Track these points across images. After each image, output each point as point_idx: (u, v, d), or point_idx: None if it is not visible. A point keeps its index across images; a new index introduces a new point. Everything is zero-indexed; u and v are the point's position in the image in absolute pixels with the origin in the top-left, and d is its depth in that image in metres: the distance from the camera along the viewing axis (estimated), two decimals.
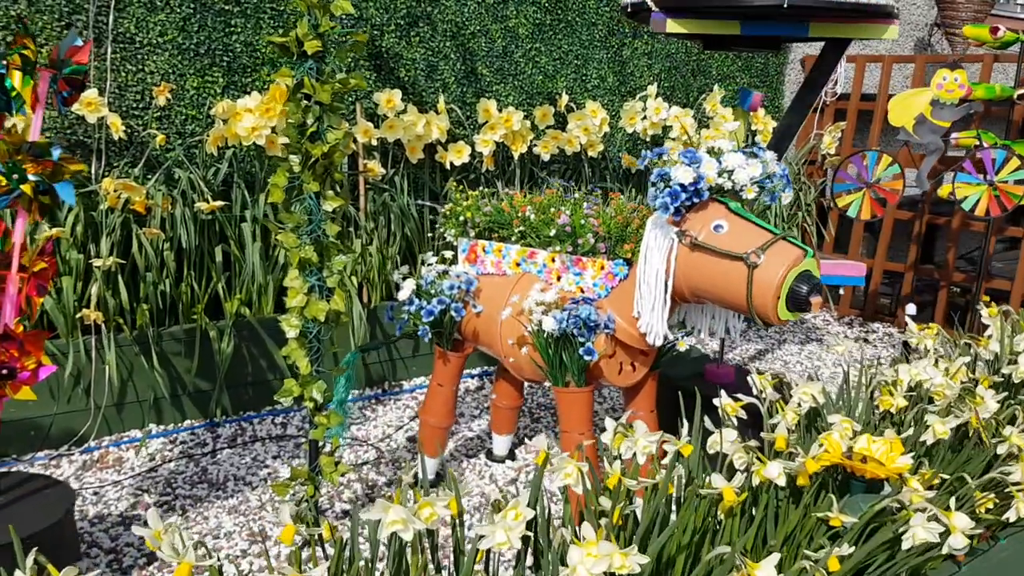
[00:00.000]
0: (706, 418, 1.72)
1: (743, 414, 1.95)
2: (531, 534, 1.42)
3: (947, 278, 4.46)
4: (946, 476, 1.81)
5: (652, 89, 3.93)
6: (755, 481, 1.59)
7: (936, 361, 2.14)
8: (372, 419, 3.22)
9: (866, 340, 4.43)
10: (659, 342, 2.08)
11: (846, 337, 4.43)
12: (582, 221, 2.25)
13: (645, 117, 3.89)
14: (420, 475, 2.78)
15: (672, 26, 2.52)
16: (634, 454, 1.63)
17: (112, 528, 2.41)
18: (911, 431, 1.86)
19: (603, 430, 3.02)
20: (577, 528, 1.39)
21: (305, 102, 2.05)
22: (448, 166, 3.59)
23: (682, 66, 4.45)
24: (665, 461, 1.63)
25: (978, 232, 4.56)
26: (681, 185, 1.92)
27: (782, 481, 1.54)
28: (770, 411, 1.92)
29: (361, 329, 3.33)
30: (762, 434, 1.79)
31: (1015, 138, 3.67)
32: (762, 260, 1.86)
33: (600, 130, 3.79)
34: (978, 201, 3.20)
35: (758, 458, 1.59)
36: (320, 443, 2.23)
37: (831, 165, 4.51)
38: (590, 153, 3.85)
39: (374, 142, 3.39)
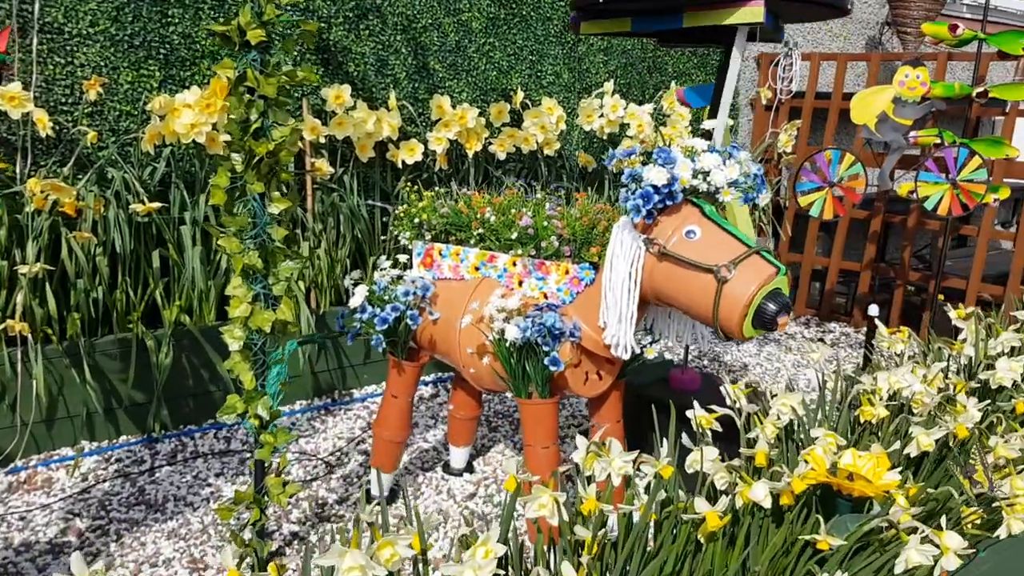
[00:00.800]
0: (683, 435, 1.61)
1: (717, 426, 1.86)
2: (503, 572, 1.30)
3: (903, 277, 4.44)
4: (931, 490, 1.73)
5: (608, 86, 3.84)
6: (739, 503, 1.49)
7: (912, 368, 2.07)
8: (322, 431, 3.06)
9: (823, 340, 4.39)
10: (626, 355, 1.97)
11: (807, 339, 4.39)
12: (545, 223, 2.13)
13: (602, 115, 3.79)
14: (374, 492, 2.65)
15: (585, 27, 2.62)
16: (608, 476, 1.51)
17: (40, 557, 2.22)
18: (896, 444, 1.78)
19: (566, 440, 2.91)
20: (552, 563, 1.27)
21: (248, 96, 1.90)
22: (400, 165, 3.45)
23: (638, 63, 4.37)
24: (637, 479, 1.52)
25: (931, 231, 4.56)
26: (654, 187, 1.81)
27: (768, 503, 1.44)
28: (747, 424, 1.83)
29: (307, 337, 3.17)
30: (741, 450, 1.69)
31: (971, 137, 3.65)
32: (733, 275, 1.77)
33: (557, 128, 3.68)
34: (940, 200, 3.16)
35: (741, 478, 1.49)
36: (266, 463, 2.08)
37: (787, 164, 4.46)
38: (546, 152, 3.74)
39: (322, 140, 3.23)
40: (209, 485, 2.64)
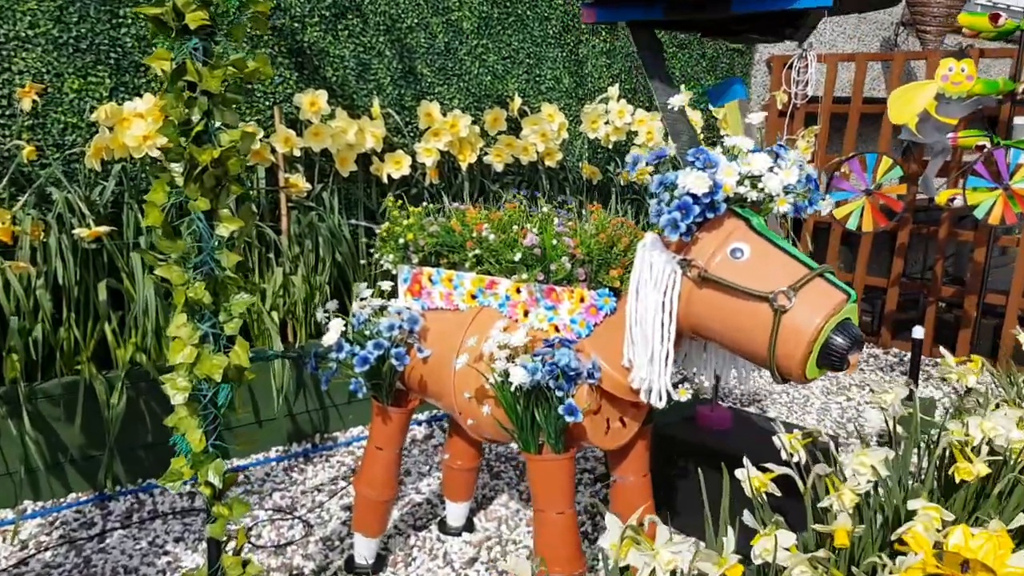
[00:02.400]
0: (747, 515, 1.25)
1: (774, 489, 1.49)
2: None
3: (935, 293, 4.09)
4: None
5: (614, 91, 3.50)
6: None
7: (997, 406, 1.71)
8: (299, 482, 2.69)
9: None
10: (660, 403, 1.61)
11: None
12: (554, 241, 1.78)
13: (608, 122, 3.45)
14: (358, 560, 2.27)
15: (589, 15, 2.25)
16: (652, 571, 1.15)
17: None
18: (998, 512, 1.42)
19: (577, 489, 2.53)
20: None
21: (189, 93, 1.55)
22: (385, 179, 3.09)
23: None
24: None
25: (964, 242, 4.22)
26: (693, 196, 1.46)
27: None
28: (814, 485, 1.47)
29: (284, 374, 2.80)
30: (816, 526, 1.32)
31: (1004, 137, 3.31)
32: (793, 303, 1.41)
33: (558, 136, 3.33)
34: (992, 207, 2.81)
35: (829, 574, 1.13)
36: (222, 540, 1.71)
37: (825, 170, 4.12)
38: (548, 163, 3.39)
39: (297, 152, 2.88)
40: (166, 553, 2.27)
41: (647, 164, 1.55)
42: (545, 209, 1.93)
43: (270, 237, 2.91)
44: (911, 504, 1.28)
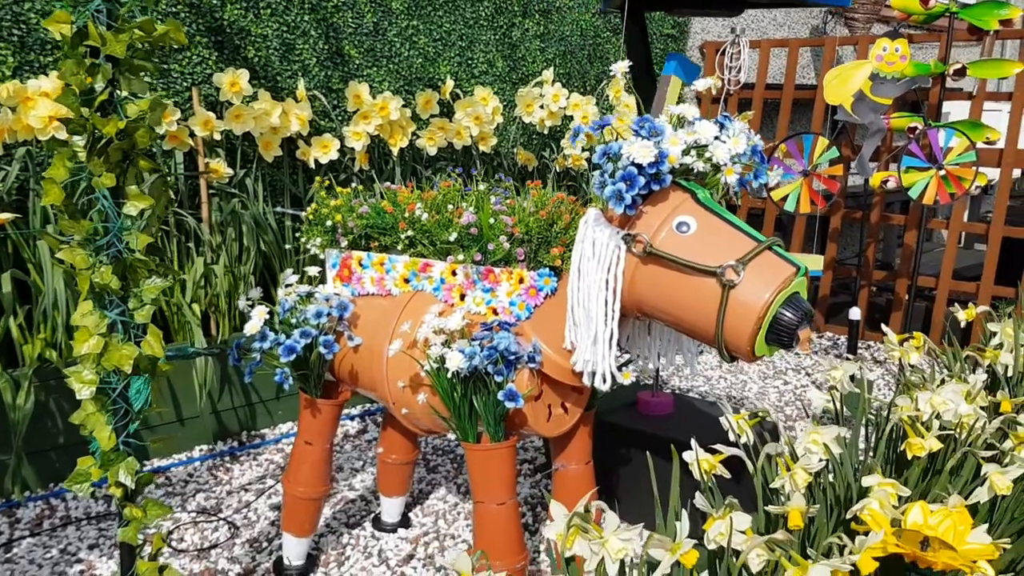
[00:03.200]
0: (699, 497, 1.18)
1: (724, 471, 1.43)
2: None
3: (867, 277, 4.12)
4: (1007, 545, 1.33)
5: (548, 74, 3.42)
6: None
7: (943, 381, 1.68)
8: (225, 482, 2.55)
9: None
10: (604, 385, 1.54)
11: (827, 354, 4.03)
12: (491, 220, 1.69)
13: (543, 106, 3.37)
14: (288, 561, 2.16)
15: None
16: (601, 560, 1.07)
17: None
18: (955, 488, 1.38)
19: (518, 480, 2.45)
20: None
21: (91, 59, 1.42)
22: (312, 165, 2.96)
23: (578, 50, 3.96)
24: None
25: (895, 226, 4.27)
26: (638, 166, 1.39)
27: None
28: (763, 467, 1.41)
29: (207, 369, 2.66)
30: (769, 508, 1.26)
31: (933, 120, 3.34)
32: (741, 277, 1.35)
33: (492, 120, 3.24)
34: (926, 187, 2.82)
35: (789, 558, 1.06)
36: (137, 545, 1.58)
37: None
38: (482, 148, 3.30)
39: (217, 136, 2.74)
40: (79, 561, 2.12)
41: (588, 133, 1.47)
42: (482, 187, 1.84)
43: (190, 225, 2.76)
44: (866, 481, 1.23)
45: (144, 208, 1.47)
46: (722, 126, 1.49)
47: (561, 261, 1.63)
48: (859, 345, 4.03)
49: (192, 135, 2.72)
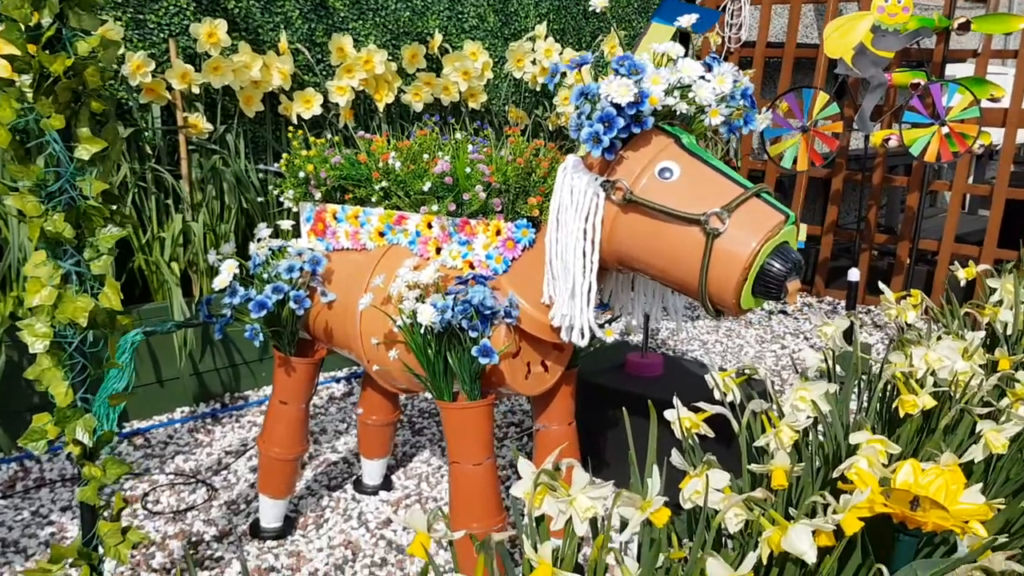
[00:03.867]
0: (675, 454, 1.11)
1: (707, 430, 1.37)
2: None
3: (868, 240, 4.04)
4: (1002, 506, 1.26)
5: (541, 29, 3.32)
6: (763, 552, 0.99)
7: (939, 338, 1.61)
8: (205, 444, 2.50)
9: (784, 312, 3.97)
10: (583, 341, 1.47)
11: (773, 312, 3.96)
12: (468, 169, 1.61)
13: (535, 61, 3.27)
14: (264, 523, 2.10)
15: None
16: (569, 520, 1.00)
17: None
18: (949, 444, 1.31)
19: (503, 445, 2.38)
20: None
21: None
22: (295, 120, 2.88)
23: (572, 6, 3.85)
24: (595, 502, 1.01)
25: (897, 188, 4.17)
26: (617, 107, 1.31)
27: (813, 556, 0.95)
28: (749, 425, 1.35)
29: (188, 333, 2.59)
30: (752, 467, 1.20)
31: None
32: (726, 225, 1.28)
33: (482, 76, 3.14)
34: (928, 144, 2.73)
35: (767, 516, 1.00)
36: (98, 504, 1.52)
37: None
38: (471, 105, 3.21)
39: (196, 90, 2.65)
40: (51, 523, 2.06)
41: (566, 71, 1.39)
42: (459, 136, 1.76)
43: (169, 183, 2.68)
44: (854, 438, 1.16)
45: (96, 152, 1.39)
46: (709, 67, 1.41)
47: (539, 212, 1.56)
48: (858, 309, 3.96)
49: (170, 89, 2.63)
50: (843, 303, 4.07)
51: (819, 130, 2.64)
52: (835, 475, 1.14)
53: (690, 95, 1.35)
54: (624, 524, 1.04)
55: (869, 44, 2.72)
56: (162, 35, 2.69)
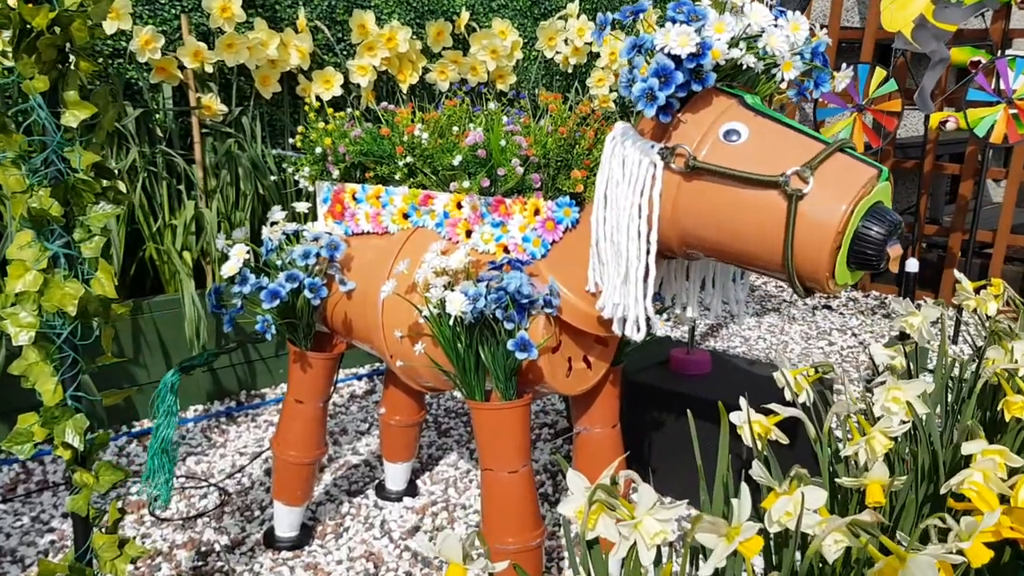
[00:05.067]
0: (756, 467, 0.94)
1: (781, 436, 1.19)
2: None
3: (918, 232, 3.82)
4: None
5: (573, 7, 3.14)
6: None
7: None
8: (219, 445, 2.34)
9: (829, 307, 3.77)
10: (638, 333, 1.29)
11: (808, 306, 3.76)
12: (503, 141, 1.44)
13: (567, 40, 3.09)
14: (280, 532, 1.94)
15: None
16: (634, 544, 0.83)
17: None
18: None
19: (536, 445, 2.21)
20: None
21: None
22: (314, 102, 2.72)
23: None
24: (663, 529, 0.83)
25: (945, 175, 3.95)
26: (675, 59, 1.13)
27: None
28: (820, 429, 1.16)
29: (201, 327, 2.44)
30: (842, 480, 1.02)
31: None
32: (810, 186, 1.09)
33: (511, 56, 2.97)
34: (993, 125, 2.52)
35: (882, 547, 0.82)
36: (90, 515, 1.37)
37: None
38: (499, 86, 3.04)
39: (209, 69, 2.49)
40: (51, 530, 1.92)
41: (619, 19, 1.21)
42: (492, 106, 1.58)
43: (181, 168, 2.53)
44: (966, 447, 0.97)
45: (85, 118, 1.23)
46: (778, 16, 1.23)
47: (583, 188, 1.38)
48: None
49: (182, 68, 2.48)
50: (891, 297, 3.86)
51: (875, 108, 2.44)
52: (944, 490, 0.96)
53: (759, 45, 1.17)
54: (695, 551, 0.87)
55: (930, 16, 2.51)
56: (173, 10, 2.53)
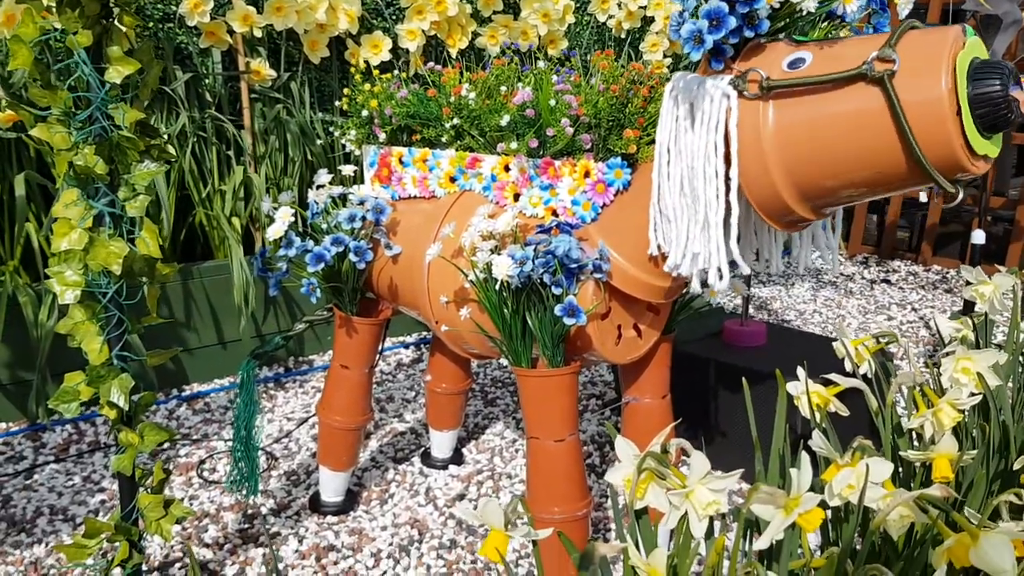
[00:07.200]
0: (817, 437, 0.89)
1: (841, 407, 1.14)
2: None
3: (984, 203, 3.68)
4: None
5: None
6: (937, 564, 0.77)
7: None
8: (267, 410, 2.35)
9: (888, 281, 3.66)
10: (721, 282, 1.19)
11: (867, 280, 3.65)
12: (552, 100, 1.39)
13: (620, 4, 3.02)
14: (325, 497, 1.94)
15: None
16: (685, 514, 0.79)
17: None
18: None
19: (583, 416, 2.17)
20: None
21: None
22: (362, 67, 2.69)
23: None
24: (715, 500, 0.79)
25: (1013, 147, 3.80)
26: (729, 2, 1.07)
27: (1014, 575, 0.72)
28: (882, 400, 1.11)
29: (250, 293, 2.44)
30: (908, 453, 0.96)
31: None
32: (897, 63, 1.01)
33: (563, 20, 2.91)
34: None
35: (949, 521, 0.77)
36: (136, 475, 1.37)
37: None
38: (550, 52, 2.98)
39: (258, 33, 2.48)
40: (102, 490, 1.94)
41: None
42: (541, 65, 1.54)
43: (230, 133, 2.53)
44: None
45: (129, 74, 1.22)
46: None
47: (636, 148, 1.33)
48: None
49: (231, 32, 2.46)
50: (953, 272, 3.73)
51: None
52: (1018, 466, 0.90)
53: None
54: (749, 524, 0.83)
55: None
56: None
